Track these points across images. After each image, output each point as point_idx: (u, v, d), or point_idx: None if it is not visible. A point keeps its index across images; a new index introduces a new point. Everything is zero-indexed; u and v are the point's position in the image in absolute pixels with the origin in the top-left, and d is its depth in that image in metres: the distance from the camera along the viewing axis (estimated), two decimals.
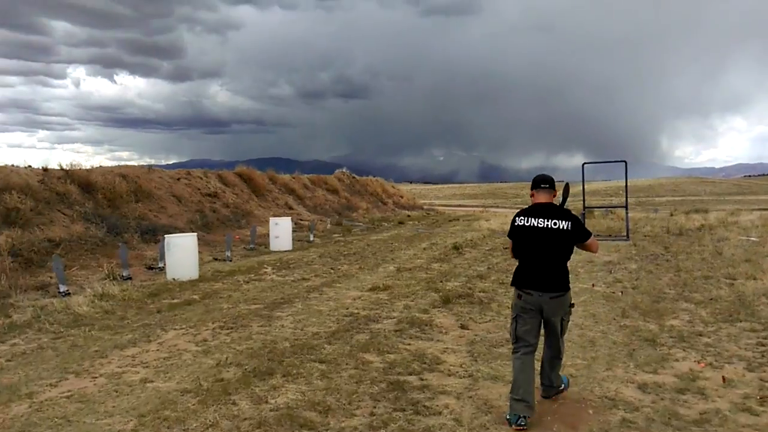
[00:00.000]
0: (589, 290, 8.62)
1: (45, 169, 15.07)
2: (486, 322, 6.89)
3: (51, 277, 10.41)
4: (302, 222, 22.60)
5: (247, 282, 10.08)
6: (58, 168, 15.54)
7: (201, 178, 21.30)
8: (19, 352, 6.03)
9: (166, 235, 11.16)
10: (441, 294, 8.08)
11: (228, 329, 6.74)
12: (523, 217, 4.16)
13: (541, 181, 4.22)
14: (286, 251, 14.56)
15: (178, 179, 20.16)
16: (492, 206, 49.73)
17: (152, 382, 5.00)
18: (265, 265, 12.04)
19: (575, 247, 4.21)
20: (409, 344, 5.93)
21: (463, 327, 6.62)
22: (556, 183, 4.28)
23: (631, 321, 6.72)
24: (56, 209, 13.77)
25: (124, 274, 10.68)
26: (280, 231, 14.84)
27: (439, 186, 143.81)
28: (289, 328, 6.71)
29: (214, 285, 9.83)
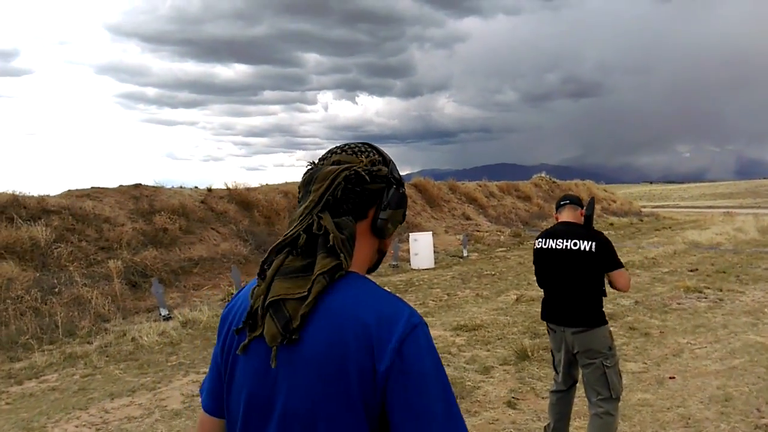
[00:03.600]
0: (760, 347, 5.83)
1: (209, 190, 15.93)
2: None
3: (173, 297, 10.64)
4: (478, 233, 21.03)
5: None
6: (224, 188, 16.32)
7: None
8: (29, 393, 5.77)
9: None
10: (522, 346, 6.06)
11: None
12: (541, 239, 3.62)
13: (562, 199, 3.69)
14: (426, 269, 13.23)
15: None
16: (749, 207, 41.22)
17: None
18: (386, 287, 10.90)
19: None
20: None
21: (509, 404, 4.70)
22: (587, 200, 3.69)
23: None
24: (210, 227, 14.36)
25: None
26: (420, 247, 13.53)
27: (685, 185, 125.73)
28: None
29: None
